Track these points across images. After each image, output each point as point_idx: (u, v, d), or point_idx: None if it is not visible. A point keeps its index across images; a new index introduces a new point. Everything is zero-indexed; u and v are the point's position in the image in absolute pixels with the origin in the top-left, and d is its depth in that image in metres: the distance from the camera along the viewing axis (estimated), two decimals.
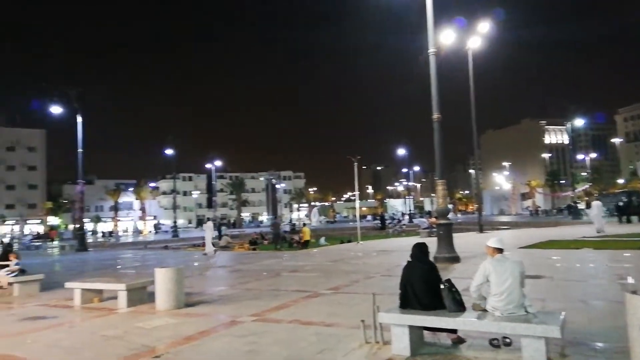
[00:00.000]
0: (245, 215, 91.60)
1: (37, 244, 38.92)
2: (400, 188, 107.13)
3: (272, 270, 13.26)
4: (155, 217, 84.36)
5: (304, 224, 30.18)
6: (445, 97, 14.07)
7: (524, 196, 68.34)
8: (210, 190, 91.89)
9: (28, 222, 71.61)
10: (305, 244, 23.29)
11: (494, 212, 68.57)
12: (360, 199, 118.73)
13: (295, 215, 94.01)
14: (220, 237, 28.73)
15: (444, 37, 17.80)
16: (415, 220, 43.38)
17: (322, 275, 11.61)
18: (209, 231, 21.78)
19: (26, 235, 40.38)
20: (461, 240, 16.29)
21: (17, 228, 65.42)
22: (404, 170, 71.84)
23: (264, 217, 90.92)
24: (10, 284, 10.52)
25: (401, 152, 59.24)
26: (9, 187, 75.66)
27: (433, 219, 23.61)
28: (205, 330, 6.40)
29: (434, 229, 18.08)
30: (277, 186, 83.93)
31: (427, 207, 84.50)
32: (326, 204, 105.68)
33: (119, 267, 17.33)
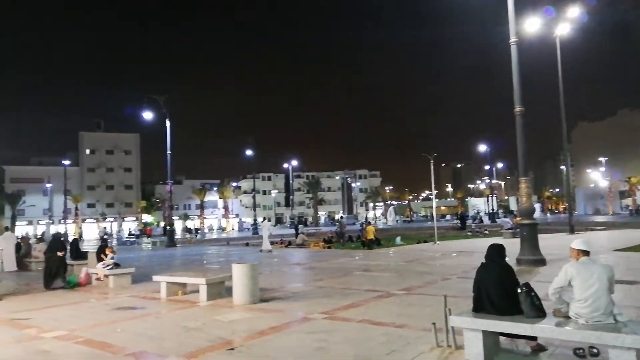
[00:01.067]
0: (322, 213, 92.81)
1: (132, 239, 42.33)
2: (482, 186, 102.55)
3: (345, 269, 13.30)
4: (237, 215, 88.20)
5: (369, 223, 30.00)
6: (532, 89, 13.33)
7: (623, 194, 62.35)
8: (287, 190, 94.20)
9: (125, 219, 78.20)
10: (369, 243, 22.98)
11: (588, 211, 63.35)
12: (439, 198, 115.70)
13: (371, 214, 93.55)
14: (296, 235, 29.35)
15: (529, 25, 16.76)
16: (498, 220, 41.27)
17: (396, 276, 11.43)
18: (265, 230, 22.92)
19: (121, 231, 44.14)
20: (549, 242, 15.25)
21: (115, 225, 71.71)
22: (487, 167, 68.61)
23: (340, 216, 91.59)
24: (106, 276, 11.54)
25: (483, 148, 56.61)
26: (108, 187, 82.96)
27: (518, 219, 22.30)
28: (278, 325, 6.56)
29: (519, 230, 17.08)
30: (352, 185, 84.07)
31: (513, 206, 79.99)
32: (403, 202, 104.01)
33: (205, 262, 18.31)
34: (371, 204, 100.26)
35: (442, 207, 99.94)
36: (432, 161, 23.97)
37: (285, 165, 71.49)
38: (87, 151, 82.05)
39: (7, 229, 24.07)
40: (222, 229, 73.76)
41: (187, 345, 5.72)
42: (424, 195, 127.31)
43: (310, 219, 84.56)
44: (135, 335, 6.36)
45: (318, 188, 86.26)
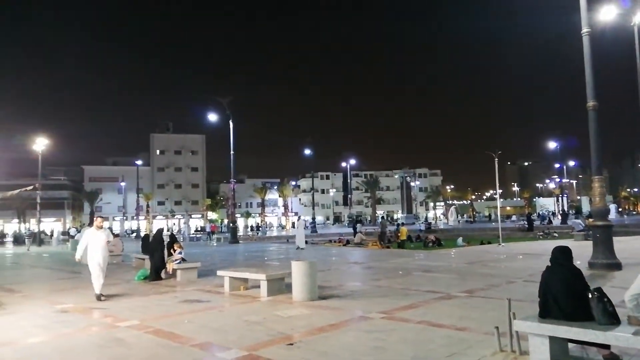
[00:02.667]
0: (380, 212, 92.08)
1: (198, 236, 44.23)
2: (551, 185, 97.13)
3: (404, 269, 13.14)
4: (296, 214, 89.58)
5: (402, 224, 32.13)
6: (607, 82, 12.44)
7: None
8: (345, 188, 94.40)
9: (192, 216, 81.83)
10: (402, 243, 24.50)
11: None
12: (504, 198, 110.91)
13: (431, 213, 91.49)
14: (354, 234, 29.36)
15: (603, 14, 15.73)
16: (570, 222, 38.94)
17: (457, 277, 11.14)
18: (300, 228, 24.75)
19: (185, 228, 46.36)
20: (626, 245, 14.23)
21: (183, 221, 75.21)
22: (557, 165, 64.89)
23: (399, 215, 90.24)
24: (174, 270, 12.18)
25: (553, 145, 53.51)
26: (177, 185, 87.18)
27: (590, 220, 21.00)
28: (336, 323, 6.63)
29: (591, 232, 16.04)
30: (412, 184, 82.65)
31: (585, 206, 75.15)
32: (465, 202, 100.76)
33: (265, 259, 18.80)
34: (431, 204, 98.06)
35: (508, 207, 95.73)
36: (496, 159, 23.07)
37: (344, 164, 71.60)
38: (157, 152, 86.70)
39: (85, 225, 26.01)
40: (282, 227, 75.21)
41: (249, 338, 5.93)
42: (487, 194, 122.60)
43: (368, 218, 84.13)
44: (200, 327, 6.68)
45: (376, 187, 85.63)
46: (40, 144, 36.96)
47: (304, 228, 25.26)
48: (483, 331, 5.71)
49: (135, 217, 61.09)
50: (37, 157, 37.46)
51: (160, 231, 13.35)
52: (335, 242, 29.55)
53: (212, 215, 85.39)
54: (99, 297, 9.20)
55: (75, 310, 8.31)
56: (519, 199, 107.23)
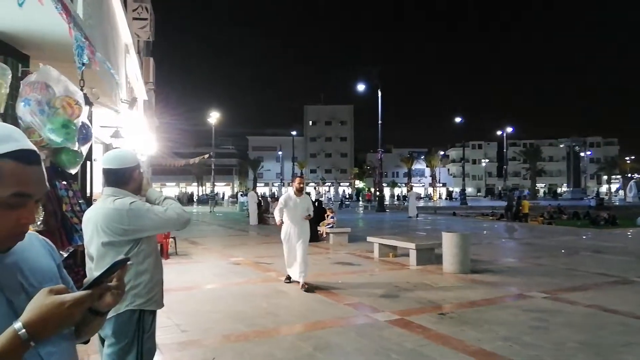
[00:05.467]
0: (540, 185, 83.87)
1: (347, 202, 45.93)
2: None
3: (569, 248, 11.89)
4: (444, 185, 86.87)
5: (525, 196, 31.80)
6: None
7: None
8: (500, 159, 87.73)
9: (340, 184, 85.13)
10: (523, 216, 23.26)
11: None
12: None
13: (604, 188, 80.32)
14: (509, 207, 27.39)
15: None
16: None
17: (636, 261, 9.72)
18: (412, 198, 27.29)
19: (335, 195, 48.50)
20: None
21: (332, 189, 78.75)
22: None
23: (564, 189, 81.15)
24: (327, 233, 12.92)
25: None
26: (327, 155, 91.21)
27: None
28: (491, 298, 6.37)
29: None
30: (581, 154, 73.15)
31: None
32: None
33: (411, 228, 18.77)
34: (605, 177, 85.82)
35: None
36: None
37: (499, 133, 66.50)
38: (310, 122, 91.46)
39: (249, 189, 29.04)
40: (429, 198, 73.76)
41: (399, 303, 6.06)
42: None
43: (526, 191, 77.42)
44: (352, 287, 7.03)
45: (537, 157, 77.84)
46: (214, 117, 41.97)
47: (416, 199, 28.11)
48: None
49: (291, 184, 65.97)
50: (211, 128, 42.69)
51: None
52: (487, 215, 28.01)
53: (358, 183, 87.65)
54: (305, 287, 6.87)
55: (244, 263, 9.44)
56: None
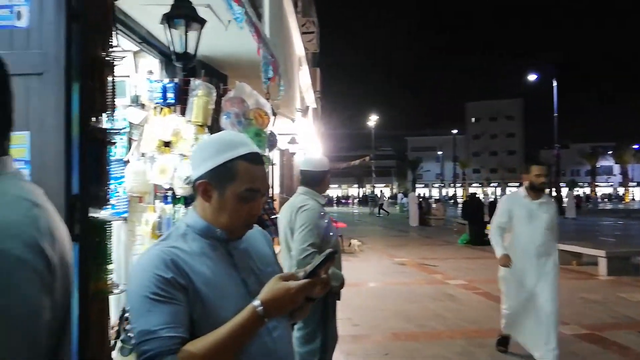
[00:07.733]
0: None
1: None
2: None
3: None
4: (638, 184, 73.93)
5: None
6: None
7: None
8: None
9: (508, 184, 78.89)
10: None
11: None
12: None
13: None
14: None
15: None
16: None
17: None
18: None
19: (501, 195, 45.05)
20: None
21: (499, 190, 73.42)
22: None
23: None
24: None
25: None
26: (492, 153, 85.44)
27: None
28: None
29: None
30: None
31: None
32: None
33: (597, 233, 16.50)
34: None
35: None
36: None
37: None
38: (472, 120, 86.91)
39: (409, 191, 28.86)
40: (619, 199, 63.60)
41: (588, 317, 5.41)
42: None
43: None
44: None
45: None
46: (372, 120, 42.90)
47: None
48: None
49: (452, 185, 63.54)
50: (370, 132, 43.72)
51: (475, 198, 13.47)
52: None
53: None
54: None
55: (409, 264, 9.45)
56: None
